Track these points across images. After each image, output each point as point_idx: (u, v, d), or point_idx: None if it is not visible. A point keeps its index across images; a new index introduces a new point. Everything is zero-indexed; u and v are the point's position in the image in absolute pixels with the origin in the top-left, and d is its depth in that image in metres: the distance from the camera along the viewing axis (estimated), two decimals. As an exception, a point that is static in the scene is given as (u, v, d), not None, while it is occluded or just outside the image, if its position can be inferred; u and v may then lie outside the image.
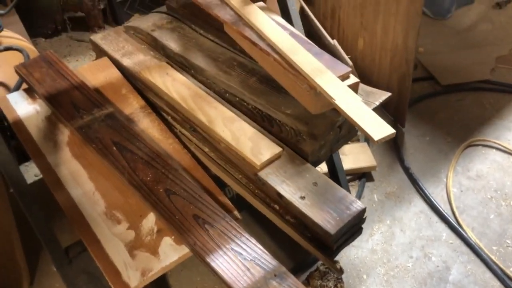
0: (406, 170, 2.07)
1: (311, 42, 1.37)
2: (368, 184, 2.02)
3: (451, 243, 1.77)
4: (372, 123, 1.06)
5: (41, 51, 1.62)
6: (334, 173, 1.75)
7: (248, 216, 1.76)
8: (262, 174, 1.21)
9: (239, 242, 1.12)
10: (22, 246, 1.63)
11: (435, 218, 1.87)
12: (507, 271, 1.65)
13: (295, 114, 1.30)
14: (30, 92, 1.51)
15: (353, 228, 1.17)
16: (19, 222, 1.62)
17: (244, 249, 1.11)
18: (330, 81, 1.17)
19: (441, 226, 1.83)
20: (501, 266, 1.67)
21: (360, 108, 1.10)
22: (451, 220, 1.83)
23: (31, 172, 2.05)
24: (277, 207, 1.25)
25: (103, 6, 3.03)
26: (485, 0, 3.52)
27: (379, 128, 1.05)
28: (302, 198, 1.15)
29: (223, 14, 1.48)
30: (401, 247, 1.75)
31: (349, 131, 1.40)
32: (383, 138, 1.03)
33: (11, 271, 1.56)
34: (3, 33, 1.92)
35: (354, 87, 1.23)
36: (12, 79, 1.74)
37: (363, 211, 1.14)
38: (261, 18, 1.41)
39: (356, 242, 1.77)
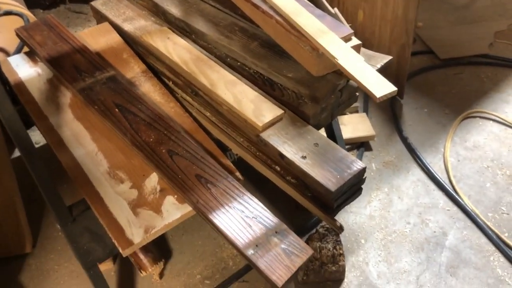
0: (404, 140, 2.09)
1: (313, 5, 1.37)
2: (366, 153, 2.04)
3: (448, 210, 1.79)
4: (374, 81, 1.07)
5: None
6: (333, 141, 1.77)
7: (246, 184, 1.78)
8: (264, 135, 1.22)
9: (241, 200, 1.14)
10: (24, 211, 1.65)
11: (432, 186, 1.89)
12: (502, 237, 1.68)
13: (297, 78, 1.30)
14: (31, 55, 1.51)
15: (353, 187, 1.19)
16: (21, 189, 1.64)
17: (246, 207, 1.13)
18: (333, 41, 1.18)
19: (438, 194, 1.86)
20: (496, 231, 1.70)
21: (363, 67, 1.11)
22: (448, 188, 1.86)
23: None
24: (278, 168, 1.27)
25: (101, -23, 2.99)
26: (484, -24, 3.50)
27: (381, 86, 1.06)
28: (304, 158, 1.16)
29: (225, -22, 1.47)
30: (399, 213, 1.78)
31: (350, 96, 1.41)
32: (385, 95, 1.04)
33: (14, 233, 1.58)
34: (1, -1, 1.91)
35: (356, 49, 1.23)
36: (11, 45, 1.73)
37: (363, 170, 1.15)
38: (263, -18, 1.40)
39: (354, 209, 1.79)
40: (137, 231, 1.12)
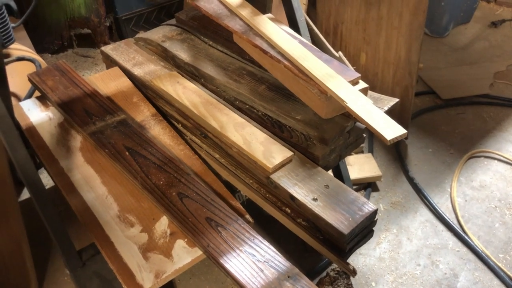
0: (411, 181, 2.09)
1: (320, 50, 1.41)
2: (373, 194, 2.04)
3: (458, 251, 1.77)
4: (384, 124, 1.09)
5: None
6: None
7: (254, 226, 1.77)
8: (274, 177, 1.23)
9: (252, 244, 1.13)
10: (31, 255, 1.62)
11: (441, 227, 1.88)
12: (515, 278, 1.66)
13: (305, 120, 1.32)
14: (43, 100, 1.54)
15: (364, 230, 1.18)
16: (27, 232, 1.62)
17: (257, 251, 1.12)
18: (341, 85, 1.20)
19: (447, 234, 1.84)
20: (508, 273, 1.67)
21: (372, 110, 1.13)
22: (457, 229, 1.84)
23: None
24: (288, 210, 1.27)
25: (109, 23, 3.08)
26: (480, 19, 3.60)
27: (391, 129, 1.08)
28: (315, 200, 1.16)
29: (233, 25, 1.51)
30: (409, 255, 1.76)
31: (357, 138, 1.42)
32: (395, 138, 1.05)
33: (20, 278, 1.55)
34: (13, 45, 1.96)
35: (364, 92, 1.26)
36: (22, 89, 1.77)
37: (375, 212, 1.15)
38: (270, 28, 1.45)
39: (363, 250, 1.77)
40: (147, 276, 1.11)
